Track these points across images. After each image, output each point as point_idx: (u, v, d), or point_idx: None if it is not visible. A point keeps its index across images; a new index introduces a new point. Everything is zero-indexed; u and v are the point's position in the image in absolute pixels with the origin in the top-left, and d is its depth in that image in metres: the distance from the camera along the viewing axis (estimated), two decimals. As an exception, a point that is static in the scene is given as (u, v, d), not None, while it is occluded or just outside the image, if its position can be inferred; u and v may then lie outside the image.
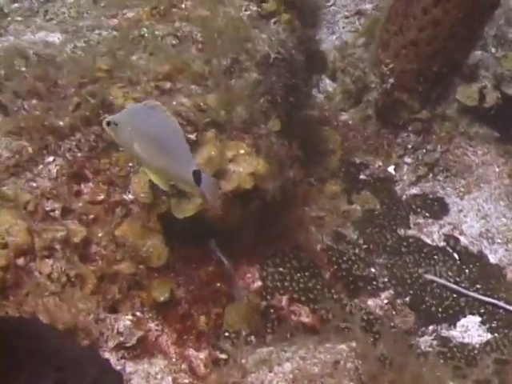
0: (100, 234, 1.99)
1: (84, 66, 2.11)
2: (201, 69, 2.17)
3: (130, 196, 2.03)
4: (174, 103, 2.11)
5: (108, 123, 1.75)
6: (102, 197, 2.02)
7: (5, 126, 2.04)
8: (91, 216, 1.99)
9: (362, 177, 2.66)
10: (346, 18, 3.68)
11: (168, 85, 2.13)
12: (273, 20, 2.46)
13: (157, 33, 2.32)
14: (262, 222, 2.19)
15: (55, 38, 2.38)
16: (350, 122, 2.96)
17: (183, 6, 2.46)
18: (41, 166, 2.02)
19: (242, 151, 2.11)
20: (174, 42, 2.31)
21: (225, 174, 2.07)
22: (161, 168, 1.75)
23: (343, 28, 3.59)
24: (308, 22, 2.71)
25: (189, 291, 2.04)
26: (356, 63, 3.26)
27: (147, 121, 1.75)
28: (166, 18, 2.38)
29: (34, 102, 2.08)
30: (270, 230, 2.23)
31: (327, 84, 3.08)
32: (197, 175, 1.71)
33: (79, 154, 2.04)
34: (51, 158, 2.03)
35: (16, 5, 2.57)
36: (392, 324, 2.19)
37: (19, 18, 2.53)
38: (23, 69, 2.15)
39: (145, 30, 2.33)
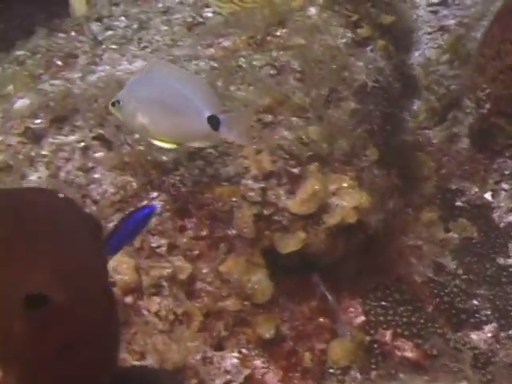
0: (205, 270, 1.98)
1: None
2: (301, 101, 2.15)
3: (234, 231, 2.02)
4: (276, 137, 2.09)
5: (113, 104, 1.77)
6: (205, 232, 2.01)
7: (109, 161, 2.05)
8: (196, 252, 1.99)
9: (458, 203, 2.62)
10: (429, 34, 3.63)
11: (269, 118, 2.12)
12: (369, 48, 2.43)
13: (254, 63, 2.30)
14: (362, 254, 2.16)
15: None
16: (435, 141, 2.93)
17: (278, 33, 2.45)
18: (145, 202, 2.01)
19: (345, 184, 2.09)
20: (271, 71, 2.29)
21: (328, 208, 2.05)
22: (171, 131, 1.74)
23: (426, 44, 3.55)
24: (401, 46, 2.68)
25: (293, 327, 2.02)
26: (440, 80, 3.22)
27: (147, 87, 1.75)
28: (262, 47, 2.36)
29: (137, 136, 2.08)
30: (371, 262, 2.20)
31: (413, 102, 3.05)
32: (213, 120, 1.67)
33: (183, 189, 2.03)
34: (155, 194, 2.03)
35: (110, 32, 2.58)
36: (497, 359, 2.15)
37: (114, 46, 2.53)
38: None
39: (242, 60, 2.31)
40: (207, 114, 1.70)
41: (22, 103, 2.30)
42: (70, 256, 1.18)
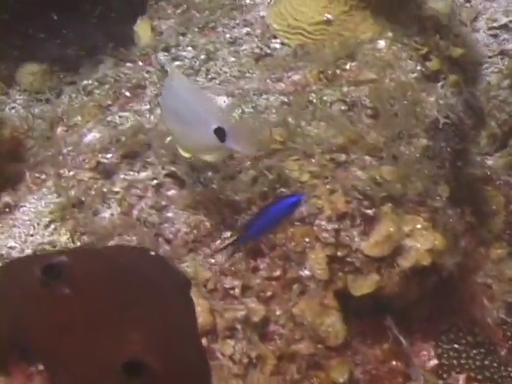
0: (278, 312, 1.97)
1: (259, 138, 2.09)
2: (375, 140, 2.13)
3: (307, 272, 2.00)
4: (350, 177, 2.07)
5: None
6: (278, 273, 1.99)
7: (182, 200, 2.05)
8: (269, 293, 1.98)
9: (527, 240, 2.57)
10: (489, 57, 3.58)
11: (343, 157, 2.10)
12: (440, 83, 2.40)
13: (325, 98, 2.29)
14: (435, 295, 2.14)
15: (221, 100, 2.37)
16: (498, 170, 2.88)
17: (348, 67, 2.43)
18: (218, 241, 2.01)
19: (419, 226, 2.06)
20: (342, 107, 2.27)
21: (402, 250, 2.03)
22: (185, 141, 1.79)
23: (486, 69, 3.50)
24: (470, 78, 2.64)
25: (366, 371, 2.00)
26: (501, 106, 3.17)
27: (166, 96, 1.82)
28: (332, 82, 2.34)
29: (210, 174, 2.07)
30: (443, 303, 2.17)
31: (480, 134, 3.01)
32: (220, 132, 1.69)
33: (256, 229, 2.01)
34: (228, 233, 2.01)
35: (177, 63, 2.57)
36: None
37: (181, 77, 2.52)
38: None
39: (313, 95, 2.30)
40: (214, 125, 1.72)
41: (92, 137, 2.30)
42: (165, 321, 1.17)
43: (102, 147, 2.23)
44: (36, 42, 3.51)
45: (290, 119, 2.19)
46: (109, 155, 2.20)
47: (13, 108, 3.34)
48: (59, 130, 2.50)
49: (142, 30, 2.85)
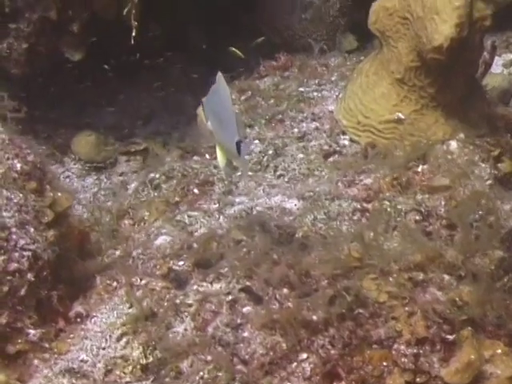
0: None
1: (335, 254, 2.06)
2: (453, 258, 2.09)
3: (383, 396, 1.97)
4: (428, 298, 2.04)
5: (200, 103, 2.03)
6: (351, 396, 1.96)
7: (258, 319, 2.02)
8: (345, 418, 1.94)
9: None
10: None
11: (421, 276, 2.07)
12: (514, 188, 2.38)
13: (399, 207, 2.26)
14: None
15: (292, 204, 2.35)
16: None
17: (420, 169, 2.40)
18: (294, 364, 1.98)
19: (499, 351, 2.02)
20: (417, 217, 2.24)
21: (482, 378, 1.99)
22: (221, 142, 1.97)
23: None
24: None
25: None
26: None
27: (214, 99, 1.97)
28: (406, 189, 2.31)
29: (286, 291, 2.05)
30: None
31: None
32: (238, 145, 1.90)
33: (332, 351, 1.98)
34: (305, 355, 1.98)
35: (246, 157, 2.55)
36: None
37: (249, 173, 2.50)
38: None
39: (387, 203, 2.27)
40: (237, 138, 1.90)
41: (162, 240, 2.28)
42: None
43: (174, 253, 2.21)
44: (91, 109, 3.51)
45: (365, 232, 2.14)
46: (180, 262, 2.18)
47: (67, 177, 3.34)
48: (126, 223, 2.48)
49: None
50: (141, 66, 3.48)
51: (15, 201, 2.06)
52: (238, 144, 1.92)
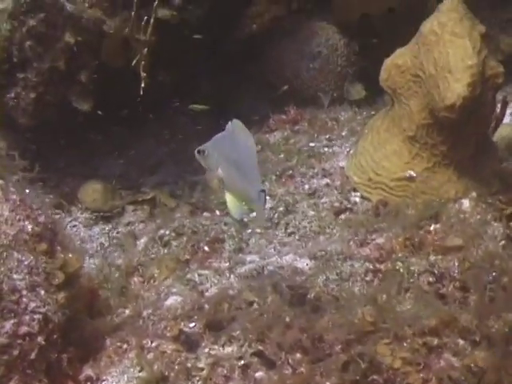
0: None
1: (349, 317, 2.04)
2: (468, 322, 2.07)
3: None
4: (443, 364, 2.01)
5: (198, 152, 2.01)
6: None
7: (270, 384, 1.99)
8: None
9: None
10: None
11: (435, 341, 2.04)
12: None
13: (412, 268, 2.24)
14: None
15: (304, 263, 2.33)
16: None
17: (432, 228, 2.38)
18: (308, 432, 1.94)
19: (513, 419, 1.99)
20: (430, 279, 2.22)
21: None
22: (238, 189, 1.95)
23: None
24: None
25: None
26: None
27: (229, 146, 1.95)
28: (419, 249, 2.30)
29: (299, 356, 2.02)
30: None
31: None
32: (260, 195, 1.90)
33: (346, 418, 1.95)
34: (318, 423, 1.95)
35: (255, 213, 2.53)
36: None
37: (259, 230, 2.49)
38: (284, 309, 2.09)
39: (400, 264, 2.25)
40: (260, 187, 1.91)
41: (173, 300, 2.26)
42: None
43: (185, 314, 2.19)
44: (99, 158, 3.50)
45: (379, 295, 2.12)
46: (192, 324, 2.16)
47: (74, 226, 3.32)
48: (135, 280, 2.46)
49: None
50: (148, 115, 3.47)
51: (26, 263, 2.04)
52: (260, 193, 1.91)
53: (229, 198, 2.01)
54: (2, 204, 2.05)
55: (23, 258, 2.04)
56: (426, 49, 2.43)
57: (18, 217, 2.07)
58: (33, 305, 2.02)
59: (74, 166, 3.47)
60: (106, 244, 3.10)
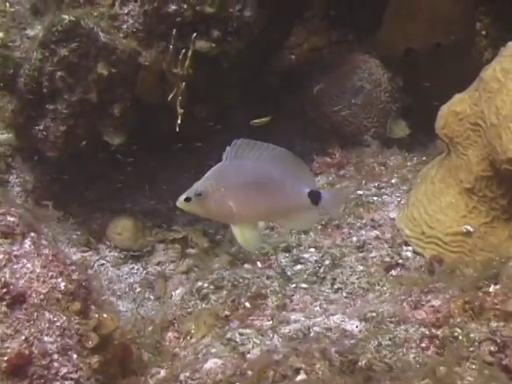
0: None
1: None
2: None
3: None
4: None
5: (187, 199, 1.81)
6: None
7: None
8: None
9: None
10: None
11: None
12: None
13: (472, 336, 2.07)
14: None
15: (353, 325, 2.16)
16: None
17: (491, 289, 2.21)
18: None
19: None
20: (492, 348, 2.05)
21: None
22: (269, 211, 1.79)
23: None
24: None
25: None
26: None
27: (237, 173, 1.80)
28: (479, 314, 2.12)
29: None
30: None
31: None
32: (314, 195, 1.75)
33: None
34: None
35: (299, 266, 2.38)
36: None
37: (304, 285, 2.33)
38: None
39: (458, 331, 2.08)
40: (307, 189, 1.76)
41: (213, 364, 2.10)
42: None
43: (226, 380, 2.03)
44: (128, 192, 3.35)
45: (437, 367, 1.96)
46: (233, 392, 1.99)
47: (102, 265, 3.18)
48: (170, 335, 2.30)
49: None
50: (181, 148, 3.32)
51: (58, 324, 1.89)
52: (313, 194, 1.77)
53: (235, 231, 1.85)
54: (33, 259, 1.91)
55: (55, 319, 1.89)
56: (488, 96, 2.27)
57: (50, 273, 1.92)
58: (64, 370, 1.87)
59: (102, 199, 3.32)
60: (136, 286, 2.94)
